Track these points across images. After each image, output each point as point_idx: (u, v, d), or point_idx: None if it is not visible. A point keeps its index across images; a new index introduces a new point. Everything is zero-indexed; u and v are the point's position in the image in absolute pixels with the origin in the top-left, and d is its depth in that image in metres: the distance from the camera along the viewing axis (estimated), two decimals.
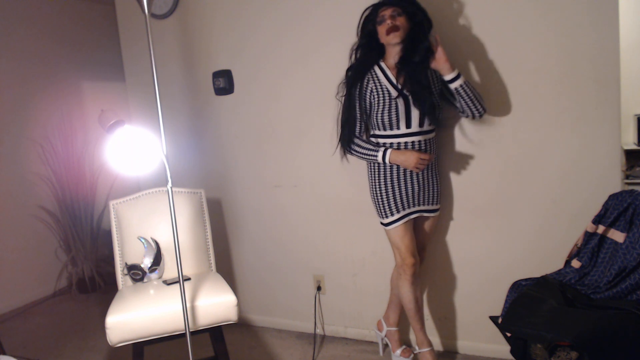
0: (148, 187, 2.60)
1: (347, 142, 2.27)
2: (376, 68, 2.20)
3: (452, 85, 2.12)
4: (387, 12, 2.10)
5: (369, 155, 2.22)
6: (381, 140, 2.23)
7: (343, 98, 2.28)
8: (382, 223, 2.28)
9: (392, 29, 2.09)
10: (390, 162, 2.19)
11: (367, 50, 2.22)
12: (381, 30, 2.13)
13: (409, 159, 2.15)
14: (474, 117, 2.21)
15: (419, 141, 2.18)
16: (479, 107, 2.16)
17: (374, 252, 2.70)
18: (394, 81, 2.17)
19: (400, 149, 2.18)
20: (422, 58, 2.13)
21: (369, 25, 2.18)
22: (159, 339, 2.12)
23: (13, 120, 3.81)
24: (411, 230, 2.27)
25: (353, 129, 2.25)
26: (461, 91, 2.12)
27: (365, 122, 2.28)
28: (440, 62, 2.10)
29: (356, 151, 2.25)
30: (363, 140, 2.24)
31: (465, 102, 2.15)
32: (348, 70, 2.27)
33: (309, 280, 2.94)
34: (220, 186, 3.11)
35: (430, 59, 2.13)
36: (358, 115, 2.23)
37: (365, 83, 2.19)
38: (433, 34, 2.14)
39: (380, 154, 2.19)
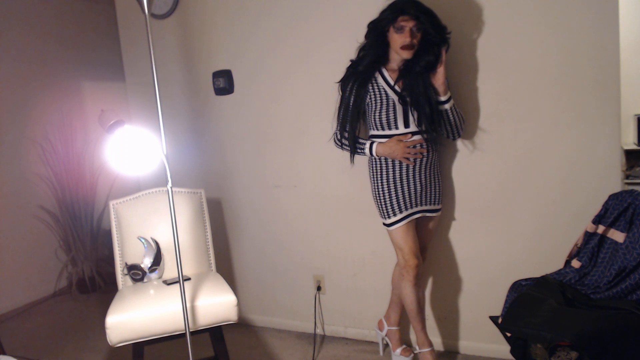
0: (148, 187, 2.60)
1: (340, 138, 2.32)
2: (376, 72, 2.21)
3: (442, 107, 2.18)
4: (408, 24, 2.05)
5: (359, 148, 2.27)
6: (379, 141, 2.23)
7: (340, 96, 2.28)
8: (384, 224, 2.28)
9: (409, 47, 2.08)
10: (378, 155, 2.21)
11: (374, 50, 2.18)
12: (396, 37, 2.09)
13: (394, 149, 2.17)
14: (448, 137, 2.30)
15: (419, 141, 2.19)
16: (455, 132, 2.26)
17: (374, 252, 2.70)
18: (392, 84, 2.18)
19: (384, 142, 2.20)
20: (423, 70, 2.14)
21: (382, 25, 2.12)
22: (159, 339, 2.13)
23: (13, 120, 3.81)
24: (413, 231, 2.26)
25: (352, 129, 2.26)
26: (448, 114, 2.19)
27: (364, 121, 2.29)
28: (437, 82, 2.14)
29: (346, 146, 2.30)
30: (356, 137, 2.27)
31: (446, 124, 2.22)
32: (350, 67, 2.26)
33: (309, 280, 2.94)
34: (220, 186, 3.11)
35: (431, 73, 2.14)
36: (356, 116, 2.25)
37: (365, 88, 2.21)
38: (443, 49, 2.11)
39: (367, 148, 2.23)
